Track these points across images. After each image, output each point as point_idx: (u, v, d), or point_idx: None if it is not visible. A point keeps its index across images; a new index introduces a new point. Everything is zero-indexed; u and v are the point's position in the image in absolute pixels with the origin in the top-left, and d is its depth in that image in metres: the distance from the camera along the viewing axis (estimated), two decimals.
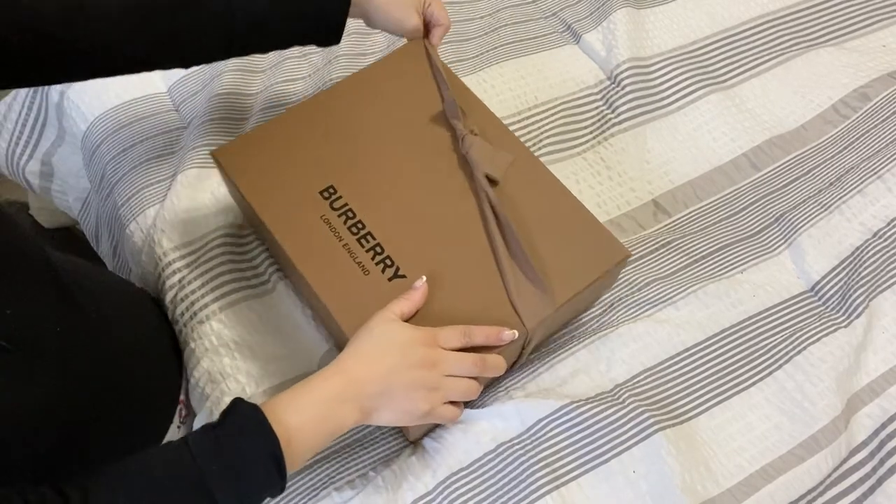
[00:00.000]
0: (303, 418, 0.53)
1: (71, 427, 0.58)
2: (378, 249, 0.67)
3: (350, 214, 0.68)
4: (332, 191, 0.70)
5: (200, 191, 0.83)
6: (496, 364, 0.62)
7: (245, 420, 0.52)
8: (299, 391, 0.55)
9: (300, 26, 0.71)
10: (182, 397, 0.77)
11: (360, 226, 0.68)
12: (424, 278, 0.64)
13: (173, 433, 0.73)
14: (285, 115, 0.75)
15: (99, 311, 0.64)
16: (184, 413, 0.77)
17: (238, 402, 0.53)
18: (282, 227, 0.67)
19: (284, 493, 0.66)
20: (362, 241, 0.67)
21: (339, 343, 0.73)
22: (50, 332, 0.56)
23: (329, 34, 0.72)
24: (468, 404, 0.70)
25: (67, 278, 0.61)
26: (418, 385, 0.58)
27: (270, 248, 0.80)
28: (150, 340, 0.75)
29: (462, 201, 0.70)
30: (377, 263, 0.66)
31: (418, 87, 0.77)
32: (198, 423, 0.75)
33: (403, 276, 0.65)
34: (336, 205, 0.69)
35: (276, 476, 0.51)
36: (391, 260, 0.66)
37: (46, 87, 0.96)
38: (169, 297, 0.79)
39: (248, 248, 0.81)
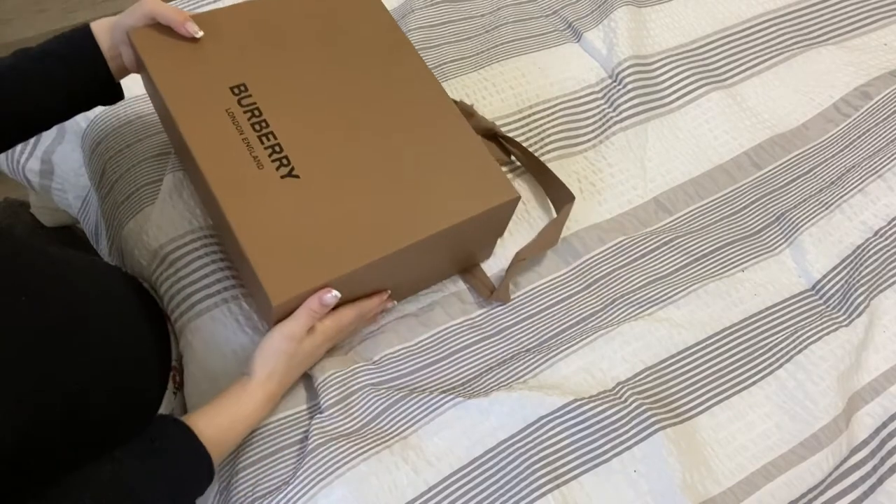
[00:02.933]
0: (226, 435, 0.64)
1: (70, 397, 0.59)
2: (277, 149, 0.68)
3: (256, 113, 0.69)
4: (243, 88, 0.71)
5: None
6: (370, 309, 0.71)
7: (179, 446, 0.60)
8: (219, 415, 0.64)
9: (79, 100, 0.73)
10: (174, 363, 0.77)
11: (263, 125, 0.69)
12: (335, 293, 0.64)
13: (169, 399, 0.75)
14: (218, 11, 0.75)
15: (76, 285, 0.66)
16: (178, 379, 0.77)
17: (168, 426, 0.60)
18: (182, 111, 0.68)
19: (281, 493, 0.66)
20: (262, 138, 0.68)
21: (220, 227, 0.75)
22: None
23: (111, 93, 0.75)
24: (468, 396, 0.70)
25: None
26: (315, 359, 0.72)
27: (174, 141, 0.81)
28: (131, 311, 0.75)
29: (369, 122, 0.72)
30: (273, 161, 0.67)
31: (355, 17, 0.78)
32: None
33: (297, 177, 0.67)
34: (244, 102, 0.70)
35: (206, 483, 0.62)
36: (287, 160, 0.67)
37: None
38: (164, 291, 0.79)
39: None
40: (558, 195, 0.85)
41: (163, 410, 0.73)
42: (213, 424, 0.62)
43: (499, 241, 0.84)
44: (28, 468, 0.54)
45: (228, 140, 0.67)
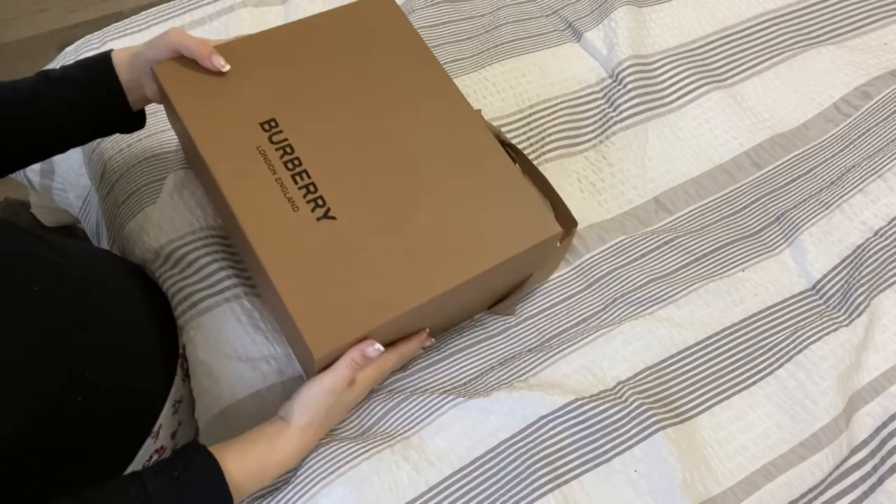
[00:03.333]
0: (252, 481, 0.61)
1: (74, 391, 0.59)
2: (311, 188, 0.65)
3: (288, 150, 0.67)
4: (273, 124, 0.68)
5: (197, 188, 0.82)
6: (411, 353, 0.70)
7: (206, 482, 0.58)
8: (252, 458, 0.61)
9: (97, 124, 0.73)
10: (181, 350, 0.77)
11: (296, 162, 0.66)
12: (380, 347, 0.63)
13: (178, 385, 0.74)
14: (242, 40, 0.72)
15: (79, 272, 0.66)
16: (185, 366, 0.77)
17: (196, 456, 0.59)
18: (213, 151, 0.65)
19: (283, 492, 0.66)
20: (296, 177, 0.66)
21: (254, 270, 0.72)
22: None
23: (129, 121, 0.74)
24: (469, 396, 0.71)
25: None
26: (351, 408, 0.70)
27: (202, 178, 0.79)
28: (135, 301, 0.75)
29: (404, 154, 0.69)
30: (308, 202, 0.65)
31: (383, 39, 0.75)
32: (199, 419, 0.74)
33: (333, 218, 0.64)
34: (275, 138, 0.67)
35: None
36: (322, 200, 0.65)
37: None
38: (165, 290, 0.79)
39: None
40: (564, 220, 0.85)
41: (172, 398, 0.73)
42: (242, 468, 0.60)
43: None
44: (30, 467, 0.54)
45: (261, 181, 0.65)
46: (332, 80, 0.72)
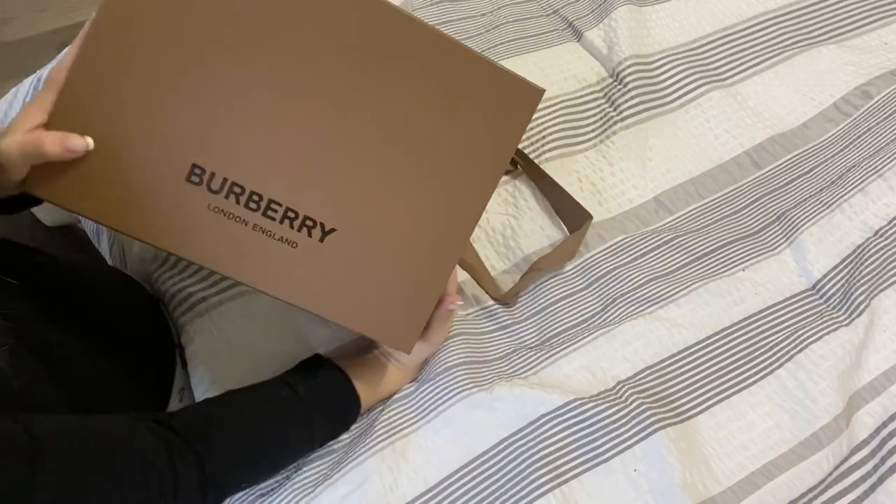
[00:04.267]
0: (371, 400, 0.71)
1: (74, 396, 0.60)
2: (291, 215, 0.57)
3: (237, 189, 0.56)
4: (199, 170, 0.55)
5: None
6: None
7: (339, 385, 0.68)
8: (375, 378, 0.70)
9: None
10: (176, 341, 0.79)
11: (256, 198, 0.56)
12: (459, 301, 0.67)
13: (180, 373, 0.77)
14: (66, 91, 0.53)
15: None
16: (184, 356, 0.78)
17: (326, 365, 0.68)
18: (171, 241, 0.56)
19: (285, 491, 0.66)
20: (269, 213, 0.57)
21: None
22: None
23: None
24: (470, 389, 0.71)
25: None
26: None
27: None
28: (130, 306, 0.77)
29: (357, 123, 0.57)
30: (299, 230, 0.57)
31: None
32: None
33: (333, 230, 0.58)
34: (214, 185, 0.56)
35: (351, 422, 0.70)
36: (311, 220, 0.58)
37: None
38: (165, 290, 0.79)
39: None
40: (573, 214, 0.85)
41: (176, 387, 0.76)
42: (362, 383, 0.68)
43: (510, 242, 0.84)
44: None
45: (243, 240, 0.57)
46: (220, 77, 0.55)
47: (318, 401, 0.65)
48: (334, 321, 0.61)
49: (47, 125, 0.53)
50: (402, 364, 0.72)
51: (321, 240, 0.58)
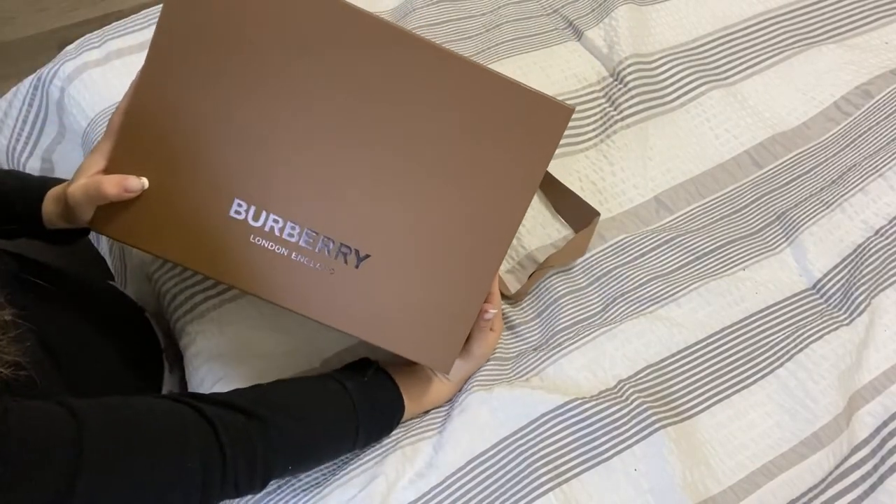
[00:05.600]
0: (411, 405, 0.69)
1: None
2: (328, 243, 0.61)
3: (277, 221, 0.61)
4: (240, 206, 0.60)
5: None
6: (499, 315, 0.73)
7: (387, 388, 0.68)
8: (420, 389, 0.70)
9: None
10: (162, 346, 0.79)
11: (293, 228, 0.61)
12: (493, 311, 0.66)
13: (167, 378, 0.77)
14: (124, 135, 0.60)
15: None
16: (170, 358, 0.79)
17: (376, 368, 0.69)
18: (218, 270, 0.61)
19: (286, 494, 0.67)
20: (306, 242, 0.61)
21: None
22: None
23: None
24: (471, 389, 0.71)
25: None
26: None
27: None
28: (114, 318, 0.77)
29: (387, 150, 0.60)
30: (336, 257, 0.61)
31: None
32: None
33: (367, 256, 0.61)
34: (254, 218, 0.61)
35: (395, 425, 0.69)
36: (347, 247, 0.61)
37: (47, 84, 0.95)
38: (165, 291, 0.79)
39: None
40: (580, 213, 0.85)
41: (165, 390, 0.76)
42: (407, 390, 0.68)
43: (514, 241, 0.84)
44: None
45: (283, 269, 0.61)
46: (259, 118, 0.60)
47: (365, 400, 0.65)
48: (372, 343, 0.63)
49: (106, 169, 0.60)
50: (445, 379, 0.71)
51: (357, 266, 0.61)
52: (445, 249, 0.62)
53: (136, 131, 0.59)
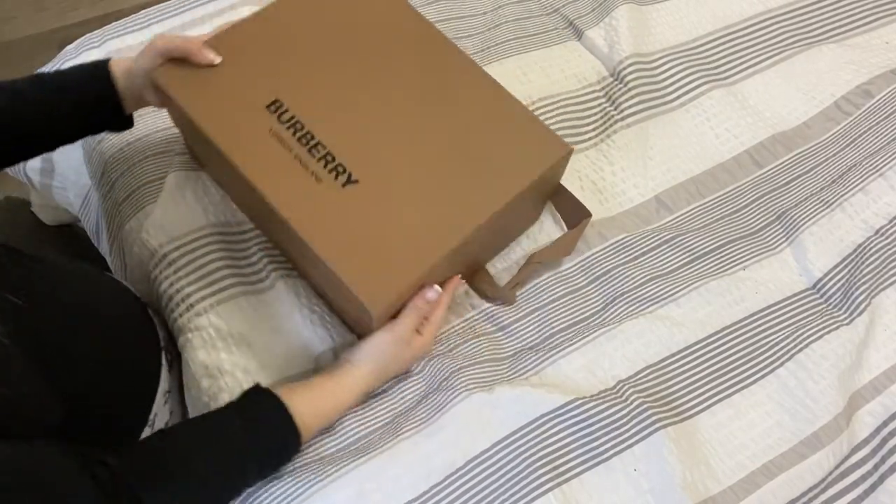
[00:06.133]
0: (320, 420, 0.67)
1: (70, 389, 0.60)
2: (329, 158, 0.68)
3: (298, 126, 0.69)
4: (278, 104, 0.70)
5: (196, 188, 0.82)
6: (451, 297, 0.72)
7: (276, 418, 0.63)
8: (318, 397, 0.66)
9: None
10: (163, 344, 0.78)
11: (309, 137, 0.69)
12: (437, 288, 0.68)
13: (165, 377, 0.76)
14: (230, 29, 0.74)
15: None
16: (170, 357, 0.78)
17: (264, 399, 0.64)
18: (228, 142, 0.68)
19: (278, 493, 0.66)
20: (312, 151, 0.68)
21: (293, 252, 0.76)
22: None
23: (121, 124, 0.76)
24: (471, 391, 0.70)
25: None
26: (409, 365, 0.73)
27: (216, 172, 0.82)
28: (118, 308, 0.76)
29: (408, 107, 0.72)
30: (329, 171, 0.67)
31: (372, 12, 0.77)
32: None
33: (356, 182, 0.67)
34: (284, 118, 0.69)
35: (293, 455, 0.66)
36: (343, 167, 0.67)
37: None
38: (164, 289, 0.79)
39: (247, 245, 0.81)
40: (573, 211, 0.85)
41: (162, 389, 0.74)
42: (310, 408, 0.65)
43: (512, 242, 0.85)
44: None
45: (281, 162, 0.67)
46: (328, 54, 0.74)
47: (253, 442, 0.62)
48: (322, 257, 0.64)
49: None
50: (357, 367, 0.68)
51: (343, 185, 0.67)
52: (421, 207, 0.67)
53: (226, 36, 0.73)
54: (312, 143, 0.68)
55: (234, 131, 0.68)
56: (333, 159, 0.68)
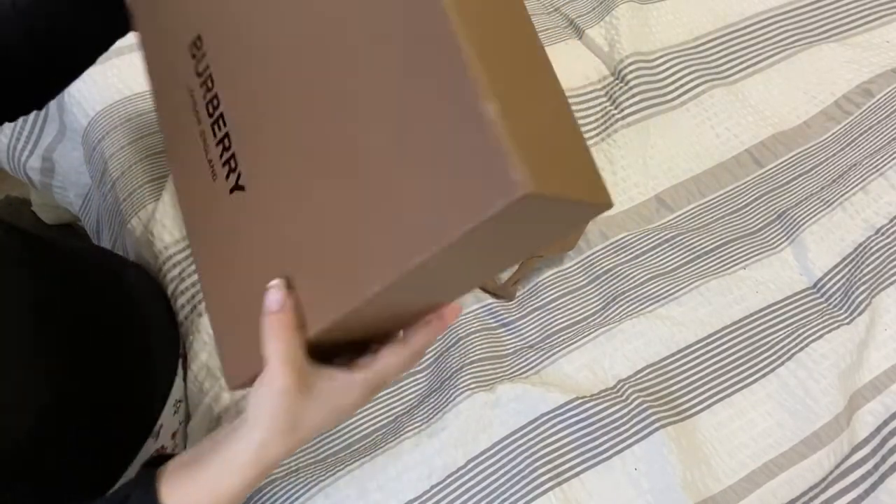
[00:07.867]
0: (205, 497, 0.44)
1: (75, 384, 0.59)
2: (226, 143, 0.47)
3: (209, 85, 0.49)
4: (198, 44, 0.50)
5: None
6: (424, 342, 0.47)
7: None
8: (200, 489, 0.44)
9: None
10: (183, 350, 0.76)
11: (215, 103, 0.48)
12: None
13: (179, 385, 0.73)
14: None
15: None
16: (187, 367, 0.77)
17: (136, 491, 0.45)
18: (157, 88, 0.54)
19: (279, 492, 0.66)
20: (215, 127, 0.48)
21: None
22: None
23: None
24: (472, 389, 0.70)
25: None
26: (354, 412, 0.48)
27: None
28: (137, 303, 0.74)
29: (345, 97, 0.41)
30: (224, 164, 0.47)
31: None
32: (194, 422, 0.74)
33: (241, 188, 0.46)
34: (200, 67, 0.50)
35: None
36: (234, 161, 0.47)
37: None
38: (170, 290, 0.79)
39: None
40: None
41: (173, 398, 0.72)
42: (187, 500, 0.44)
43: None
44: (31, 470, 0.54)
45: (189, 137, 0.50)
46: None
47: None
48: (207, 306, 0.50)
49: None
50: (252, 441, 0.43)
51: (230, 191, 0.47)
52: (335, 229, 0.41)
53: None
54: (216, 113, 0.48)
55: (162, 76, 0.53)
56: (229, 145, 0.47)
